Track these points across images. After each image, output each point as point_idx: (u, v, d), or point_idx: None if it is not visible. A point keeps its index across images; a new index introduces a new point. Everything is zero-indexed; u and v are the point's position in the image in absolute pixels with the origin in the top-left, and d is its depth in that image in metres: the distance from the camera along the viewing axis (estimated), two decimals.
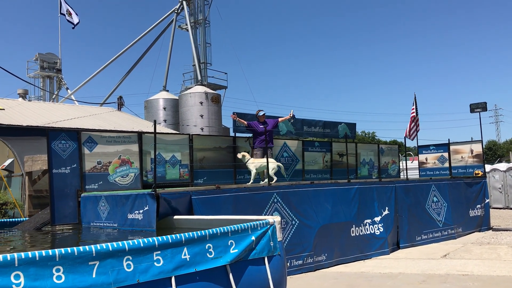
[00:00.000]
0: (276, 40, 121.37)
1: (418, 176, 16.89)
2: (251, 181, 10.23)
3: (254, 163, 10.35)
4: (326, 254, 9.93)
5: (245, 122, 11.04)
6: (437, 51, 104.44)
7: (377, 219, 11.42)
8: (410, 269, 9.37)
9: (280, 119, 11.58)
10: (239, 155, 10.55)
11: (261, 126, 10.77)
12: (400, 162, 17.44)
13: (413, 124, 15.18)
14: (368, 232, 11.10)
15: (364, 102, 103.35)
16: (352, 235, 10.69)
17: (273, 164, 10.22)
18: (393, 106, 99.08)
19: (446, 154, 16.45)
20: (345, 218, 10.58)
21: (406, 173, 14.82)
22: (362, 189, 11.16)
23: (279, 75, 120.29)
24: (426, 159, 17.07)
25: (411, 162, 22.52)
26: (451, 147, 16.42)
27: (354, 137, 14.10)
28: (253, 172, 10.30)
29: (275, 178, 10.09)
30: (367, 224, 11.14)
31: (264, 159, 10.15)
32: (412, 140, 15.36)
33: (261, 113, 11.00)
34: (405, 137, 15.03)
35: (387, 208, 11.76)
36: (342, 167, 13.26)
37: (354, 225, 10.77)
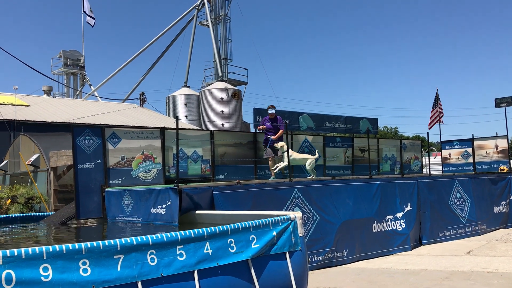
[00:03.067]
0: (297, 35, 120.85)
1: (441, 171, 16.68)
2: (274, 173, 10.47)
3: (292, 156, 10.48)
4: (347, 250, 9.90)
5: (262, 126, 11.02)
6: (461, 44, 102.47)
7: (399, 215, 11.33)
8: (433, 265, 9.28)
9: (281, 132, 10.88)
10: (280, 144, 10.53)
11: (268, 123, 10.84)
12: (423, 157, 17.23)
13: (436, 116, 15.19)
14: (390, 228, 11.02)
15: (386, 97, 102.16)
16: (374, 231, 10.63)
17: (310, 159, 10.68)
18: (416, 101, 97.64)
19: (470, 150, 16.19)
20: (366, 214, 10.52)
21: (429, 168, 14.64)
22: (384, 185, 11.08)
23: (300, 70, 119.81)
24: (450, 154, 16.83)
25: (434, 158, 22.22)
26: (476, 143, 16.14)
27: (376, 132, 14.00)
28: (284, 164, 10.42)
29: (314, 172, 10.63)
30: (389, 220, 11.06)
31: (303, 155, 10.59)
32: (431, 127, 15.50)
33: (270, 111, 10.90)
34: (427, 130, 15.08)
35: (409, 204, 11.65)
36: (364, 162, 13.18)
37: (375, 221, 10.70)
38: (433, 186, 12.50)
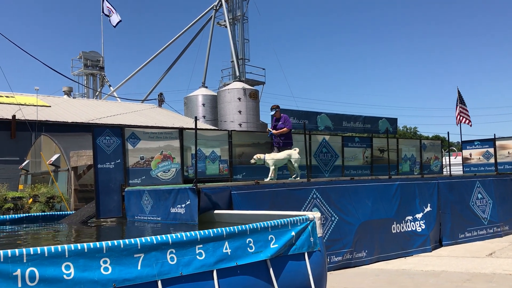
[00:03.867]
0: (315, 34, 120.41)
1: (462, 172, 16.42)
2: (269, 177, 9.74)
3: (272, 159, 9.87)
4: (366, 251, 9.82)
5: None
6: (481, 43, 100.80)
7: (419, 215, 11.20)
8: (454, 267, 9.15)
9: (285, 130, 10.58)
10: (253, 161, 9.92)
11: (275, 123, 10.71)
12: (443, 157, 16.99)
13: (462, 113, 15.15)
14: (410, 229, 10.90)
15: (405, 96, 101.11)
16: (393, 232, 10.52)
17: (294, 154, 9.98)
18: (435, 100, 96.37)
19: (491, 150, 15.90)
20: (385, 215, 10.43)
21: (450, 169, 14.43)
22: (404, 186, 10.96)
23: (318, 69, 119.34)
24: (470, 154, 16.56)
25: (455, 158, 21.89)
26: (498, 143, 15.85)
27: (395, 132, 13.84)
28: (272, 168, 9.83)
29: (299, 173, 10.01)
30: (409, 221, 10.94)
31: (280, 154, 10.03)
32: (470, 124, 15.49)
33: (272, 112, 10.75)
34: (459, 124, 14.98)
35: (429, 204, 11.51)
36: (383, 163, 13.06)
37: (395, 222, 10.60)
38: (453, 187, 12.33)
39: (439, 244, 11.73)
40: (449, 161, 14.92)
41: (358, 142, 12.98)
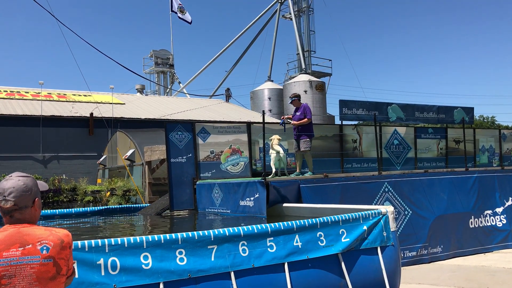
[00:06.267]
0: (382, 23, 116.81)
1: None
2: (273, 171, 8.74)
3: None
4: (442, 246, 9.44)
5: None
6: None
7: (499, 210, 10.59)
8: None
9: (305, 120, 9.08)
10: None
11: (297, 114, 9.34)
12: None
13: None
14: (489, 223, 10.33)
15: (482, 84, 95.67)
16: (471, 226, 10.03)
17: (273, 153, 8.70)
18: None
19: None
20: (462, 209, 9.96)
21: None
22: (482, 178, 10.41)
23: (387, 59, 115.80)
24: None
25: None
26: None
27: (471, 122, 13.12)
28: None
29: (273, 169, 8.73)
30: (488, 215, 10.37)
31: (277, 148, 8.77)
32: None
33: (289, 100, 9.70)
34: None
35: (510, 198, 10.85)
36: (459, 154, 12.45)
37: (472, 216, 10.10)
38: None
39: None
40: None
41: (432, 133, 12.46)
